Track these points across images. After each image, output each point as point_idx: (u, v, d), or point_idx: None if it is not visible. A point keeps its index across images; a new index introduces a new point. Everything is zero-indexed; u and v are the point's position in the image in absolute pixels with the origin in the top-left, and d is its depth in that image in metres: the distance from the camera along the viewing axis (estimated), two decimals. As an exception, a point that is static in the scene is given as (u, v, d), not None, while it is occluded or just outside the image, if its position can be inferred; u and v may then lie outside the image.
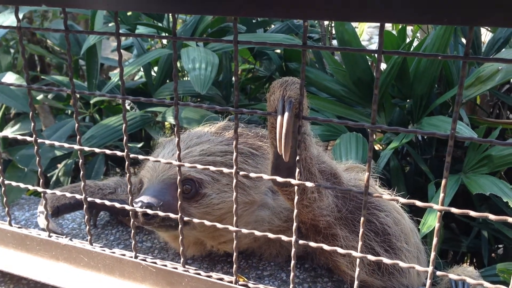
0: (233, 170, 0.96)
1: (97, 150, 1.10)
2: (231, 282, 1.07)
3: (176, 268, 1.13)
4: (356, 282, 0.94)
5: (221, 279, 1.08)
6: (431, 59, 1.98)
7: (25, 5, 1.00)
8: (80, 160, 1.13)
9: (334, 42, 3.26)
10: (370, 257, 0.90)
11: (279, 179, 0.92)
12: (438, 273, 0.86)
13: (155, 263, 1.15)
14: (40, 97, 2.26)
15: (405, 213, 1.26)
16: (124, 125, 1.02)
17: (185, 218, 1.01)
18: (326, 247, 0.94)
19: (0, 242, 1.36)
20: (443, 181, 0.79)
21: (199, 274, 1.10)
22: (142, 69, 2.87)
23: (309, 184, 0.91)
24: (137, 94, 2.87)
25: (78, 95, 2.39)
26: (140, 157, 1.05)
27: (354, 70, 2.14)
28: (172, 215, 1.01)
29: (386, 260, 0.89)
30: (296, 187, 0.91)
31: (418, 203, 0.83)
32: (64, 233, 1.58)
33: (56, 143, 1.14)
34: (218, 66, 1.93)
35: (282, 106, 0.88)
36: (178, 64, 2.79)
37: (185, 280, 1.11)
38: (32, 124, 1.15)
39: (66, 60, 3.30)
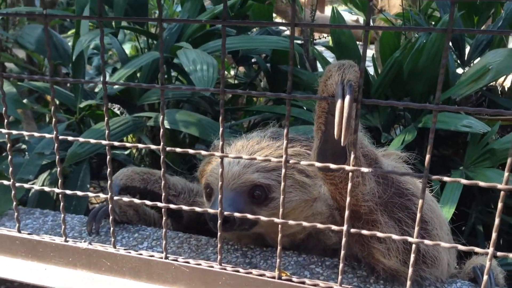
0: (282, 159, 0.93)
1: (128, 144, 1.05)
2: (273, 277, 1.03)
3: (212, 267, 1.08)
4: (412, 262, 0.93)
5: (262, 275, 1.05)
6: (431, 58, 2.02)
7: None
8: (108, 156, 1.07)
9: (316, 47, 3.28)
10: (427, 242, 0.90)
11: (332, 166, 0.90)
12: (499, 253, 0.86)
13: (188, 262, 1.10)
14: (25, 100, 2.15)
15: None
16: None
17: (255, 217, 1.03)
18: (380, 234, 0.93)
19: (7, 252, 1.27)
20: (509, 160, 0.79)
21: (237, 271, 1.06)
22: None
23: (364, 169, 0.90)
24: (118, 102, 2.75)
25: (57, 102, 2.27)
26: (179, 150, 1.01)
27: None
28: (250, 216, 1.03)
29: (428, 242, 0.89)
30: (350, 173, 0.90)
31: (482, 183, 0.83)
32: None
33: (93, 140, 1.08)
34: (217, 67, 1.90)
35: (342, 89, 0.87)
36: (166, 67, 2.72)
37: (222, 278, 1.07)
38: (54, 119, 1.09)
39: (28, 69, 3.14)
